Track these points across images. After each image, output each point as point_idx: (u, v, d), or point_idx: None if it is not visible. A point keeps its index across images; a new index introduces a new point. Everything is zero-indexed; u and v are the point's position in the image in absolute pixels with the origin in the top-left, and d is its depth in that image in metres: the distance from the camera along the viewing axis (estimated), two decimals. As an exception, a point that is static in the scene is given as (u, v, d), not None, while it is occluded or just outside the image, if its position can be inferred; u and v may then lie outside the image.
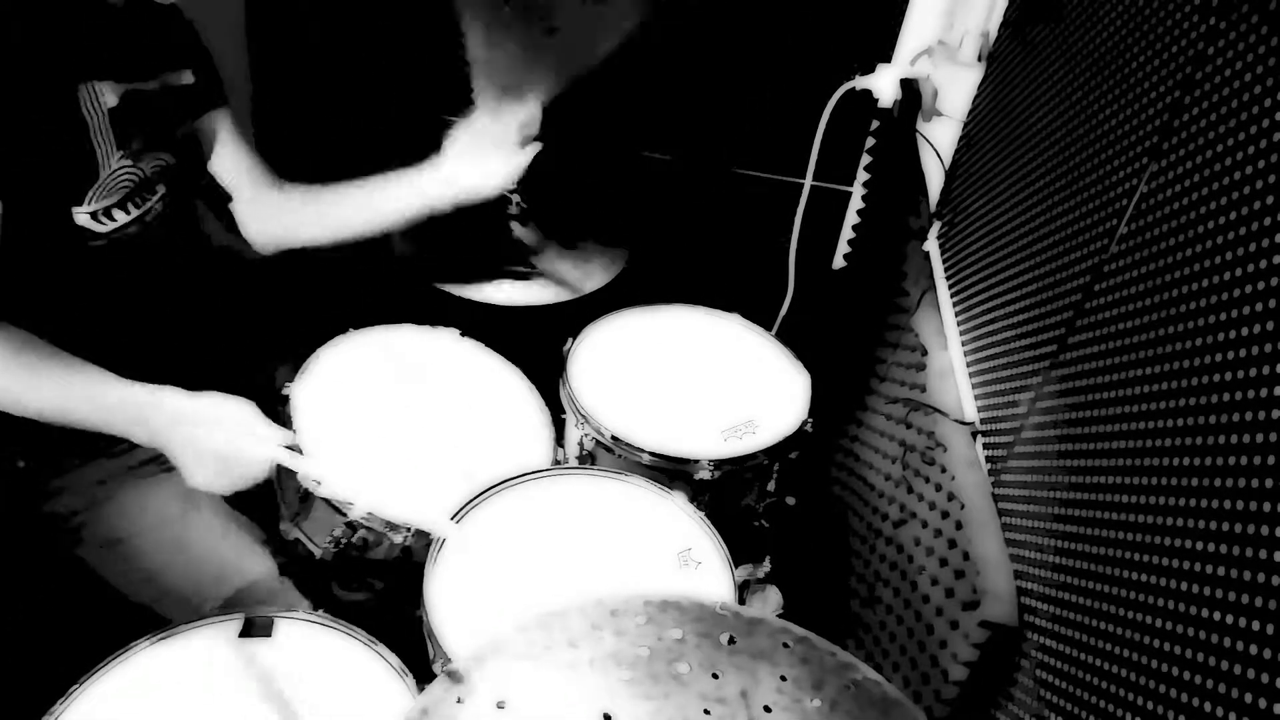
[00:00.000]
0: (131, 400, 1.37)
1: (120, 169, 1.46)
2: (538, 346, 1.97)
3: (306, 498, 1.62)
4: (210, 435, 1.39)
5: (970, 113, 2.00)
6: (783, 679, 0.96)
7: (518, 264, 2.05)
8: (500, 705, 0.89)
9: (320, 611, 1.42)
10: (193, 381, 1.45)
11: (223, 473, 1.41)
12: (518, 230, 2.13)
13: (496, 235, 2.08)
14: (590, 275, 2.08)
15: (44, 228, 1.40)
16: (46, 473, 1.56)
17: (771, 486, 1.91)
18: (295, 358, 1.84)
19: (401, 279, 1.99)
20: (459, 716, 0.88)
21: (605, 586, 1.46)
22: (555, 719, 0.89)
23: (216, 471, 1.40)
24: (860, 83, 2.12)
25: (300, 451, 1.53)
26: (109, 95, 1.42)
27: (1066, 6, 1.53)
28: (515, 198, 2.11)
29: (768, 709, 0.93)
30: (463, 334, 1.98)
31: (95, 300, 1.52)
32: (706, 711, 0.92)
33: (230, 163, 1.71)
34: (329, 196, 1.76)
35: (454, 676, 0.92)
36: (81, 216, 1.42)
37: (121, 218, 1.47)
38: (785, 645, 0.99)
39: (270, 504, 1.72)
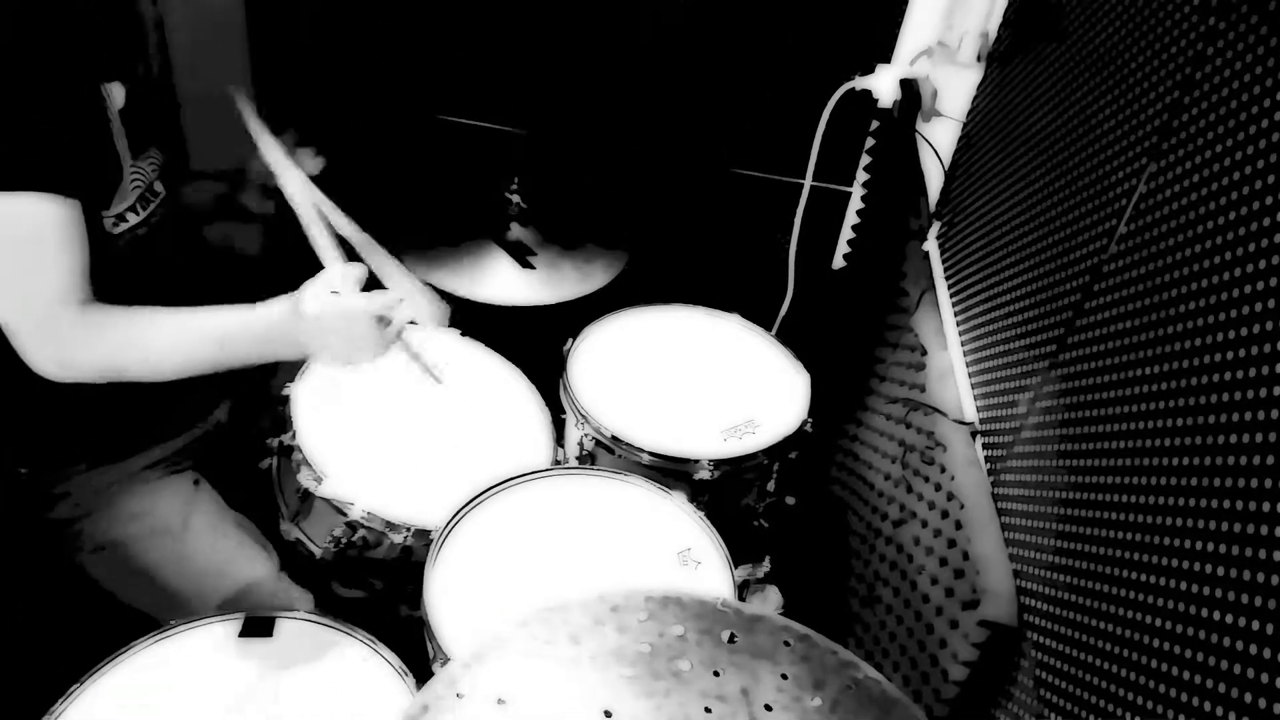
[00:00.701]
0: (253, 328, 1.39)
1: (131, 169, 1.46)
2: (538, 346, 1.97)
3: (307, 497, 1.62)
4: (356, 344, 1.40)
5: (969, 113, 2.00)
6: (783, 677, 0.96)
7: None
8: (501, 701, 0.89)
9: (320, 612, 1.42)
10: (199, 382, 1.44)
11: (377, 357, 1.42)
12: (517, 230, 2.13)
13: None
14: (589, 275, 2.09)
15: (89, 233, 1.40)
16: (47, 479, 1.56)
17: (771, 486, 1.91)
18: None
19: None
20: (460, 713, 0.88)
21: (605, 586, 1.47)
22: (556, 716, 0.89)
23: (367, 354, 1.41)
24: (860, 83, 2.12)
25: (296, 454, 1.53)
26: (119, 95, 1.41)
27: (1066, 22, 1.53)
28: (515, 198, 2.12)
29: (768, 707, 0.93)
30: (463, 334, 1.98)
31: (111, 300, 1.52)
32: (707, 709, 0.92)
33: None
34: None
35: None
36: (107, 221, 1.43)
37: (132, 219, 1.47)
38: (786, 644, 0.99)
39: (270, 504, 1.72)
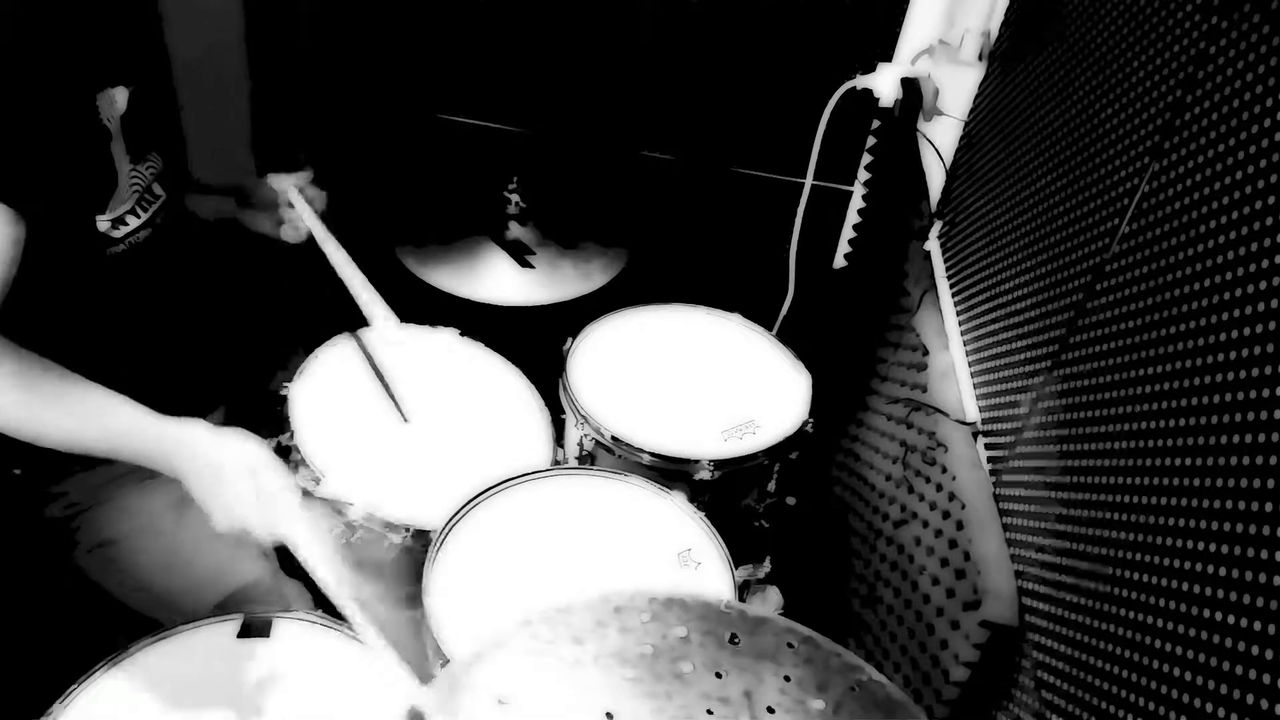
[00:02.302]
0: (147, 433, 1.31)
1: (130, 173, 1.46)
2: (538, 346, 1.97)
3: (305, 498, 1.61)
4: (226, 483, 1.30)
5: (971, 112, 2.00)
6: (786, 679, 0.96)
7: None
8: (501, 702, 0.89)
9: (320, 611, 1.42)
10: (197, 382, 1.44)
11: (232, 528, 1.31)
12: (517, 229, 2.13)
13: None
14: (588, 275, 2.08)
15: (71, 239, 1.39)
16: (43, 479, 1.56)
17: (772, 487, 1.91)
18: (295, 357, 1.84)
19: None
20: (461, 713, 0.88)
21: (605, 587, 1.46)
22: (557, 716, 0.89)
23: (232, 516, 1.30)
24: (861, 82, 2.12)
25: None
26: (120, 100, 1.41)
27: (1068, 21, 1.52)
28: (515, 197, 2.11)
29: (771, 710, 0.93)
30: (463, 334, 1.98)
31: (113, 307, 1.52)
32: (709, 711, 0.92)
33: None
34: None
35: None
36: (103, 224, 1.42)
37: (133, 222, 1.48)
38: (790, 645, 0.99)
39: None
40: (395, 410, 1.72)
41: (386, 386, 1.74)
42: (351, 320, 1.91)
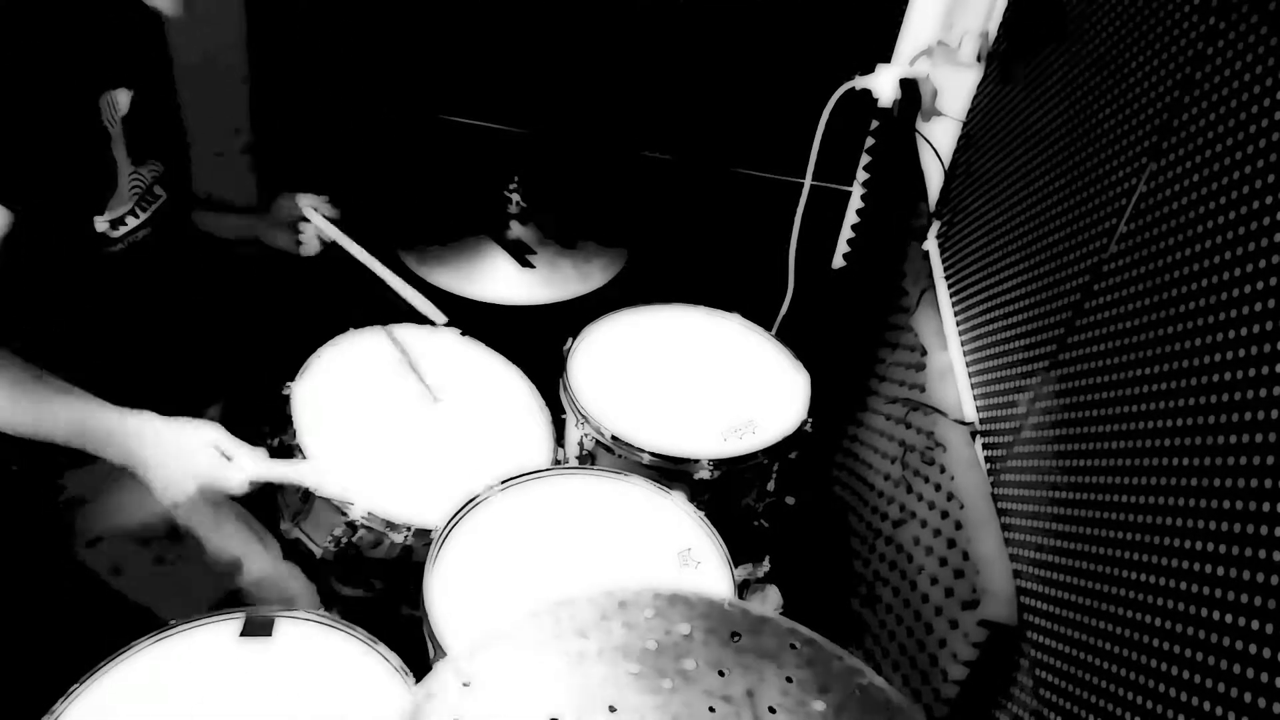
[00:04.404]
0: (98, 421, 1.38)
1: (130, 175, 1.46)
2: (538, 346, 1.97)
3: (307, 498, 1.62)
4: (182, 461, 1.39)
5: (969, 112, 2.00)
6: (788, 680, 0.96)
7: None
8: (505, 695, 0.89)
9: (320, 610, 1.42)
10: (199, 381, 1.45)
11: (193, 493, 1.41)
12: (517, 229, 2.13)
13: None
14: (588, 274, 2.09)
15: (67, 237, 1.40)
16: (41, 475, 1.56)
17: (771, 486, 1.91)
18: (295, 357, 1.84)
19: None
20: (463, 705, 0.88)
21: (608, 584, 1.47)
22: (560, 710, 0.89)
23: (186, 492, 1.41)
24: (860, 82, 2.12)
25: (296, 455, 1.54)
26: (123, 102, 1.42)
27: (1069, 24, 1.53)
28: (515, 197, 2.12)
29: (773, 710, 0.93)
30: (463, 334, 1.98)
31: (110, 304, 1.52)
32: (712, 709, 0.92)
33: None
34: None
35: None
36: (101, 224, 1.43)
37: (132, 223, 1.48)
38: (793, 646, 0.99)
39: (271, 504, 1.72)
40: (428, 393, 1.81)
41: (421, 376, 1.82)
42: (350, 320, 1.92)
